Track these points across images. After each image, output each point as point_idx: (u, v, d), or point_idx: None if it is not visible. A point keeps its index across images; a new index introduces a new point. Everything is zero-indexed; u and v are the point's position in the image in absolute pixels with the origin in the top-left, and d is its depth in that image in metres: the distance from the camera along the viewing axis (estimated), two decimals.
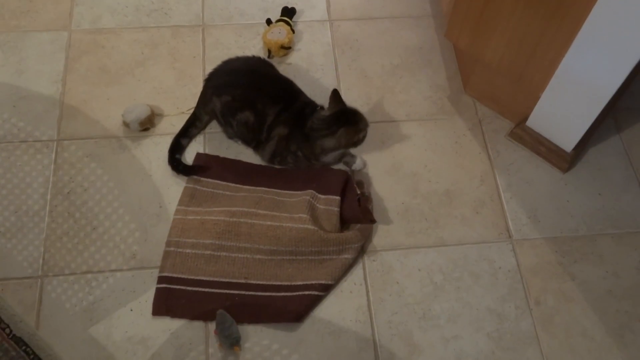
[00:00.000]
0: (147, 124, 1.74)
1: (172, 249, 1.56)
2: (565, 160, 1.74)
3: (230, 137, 1.74)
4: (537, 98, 1.66)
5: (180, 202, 1.63)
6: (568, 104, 1.61)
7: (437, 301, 1.54)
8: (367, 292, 1.54)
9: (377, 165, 1.74)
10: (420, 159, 1.76)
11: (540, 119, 1.72)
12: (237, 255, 1.55)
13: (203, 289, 1.51)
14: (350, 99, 1.84)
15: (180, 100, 1.82)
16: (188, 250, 1.55)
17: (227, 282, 1.52)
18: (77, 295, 1.50)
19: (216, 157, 1.72)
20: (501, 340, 1.49)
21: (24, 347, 1.42)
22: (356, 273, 1.57)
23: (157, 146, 1.73)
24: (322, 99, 1.69)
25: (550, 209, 1.69)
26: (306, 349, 1.46)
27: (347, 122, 1.58)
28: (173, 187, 1.66)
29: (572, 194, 1.72)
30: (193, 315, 1.48)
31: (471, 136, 1.81)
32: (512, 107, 1.80)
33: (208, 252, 1.55)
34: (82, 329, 1.46)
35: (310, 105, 1.67)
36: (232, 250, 1.55)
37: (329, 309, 1.51)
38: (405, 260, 1.59)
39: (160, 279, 1.52)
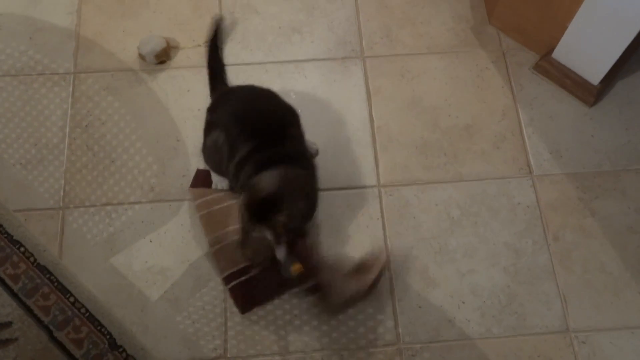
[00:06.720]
0: (163, 56, 1.72)
1: (217, 246, 1.50)
2: (591, 94, 1.68)
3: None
4: (565, 28, 1.59)
5: (197, 198, 1.55)
6: (596, 34, 1.54)
7: (454, 236, 1.54)
8: (384, 226, 1.54)
9: (396, 100, 1.70)
10: (440, 92, 1.72)
11: (567, 51, 1.66)
12: None
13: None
14: (370, 31, 1.79)
15: (196, 32, 1.79)
16: (230, 241, 1.50)
17: None
18: (97, 227, 1.53)
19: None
20: (517, 275, 1.49)
21: (48, 275, 1.47)
22: (373, 207, 1.57)
23: (174, 79, 1.71)
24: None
25: (573, 144, 1.65)
26: None
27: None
28: (190, 120, 1.66)
29: (597, 129, 1.67)
30: (272, 295, 1.47)
31: (494, 69, 1.75)
32: (538, 38, 1.73)
33: None
34: (103, 258, 1.50)
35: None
36: None
37: (346, 244, 1.52)
38: (422, 195, 1.58)
39: (227, 280, 1.47)
